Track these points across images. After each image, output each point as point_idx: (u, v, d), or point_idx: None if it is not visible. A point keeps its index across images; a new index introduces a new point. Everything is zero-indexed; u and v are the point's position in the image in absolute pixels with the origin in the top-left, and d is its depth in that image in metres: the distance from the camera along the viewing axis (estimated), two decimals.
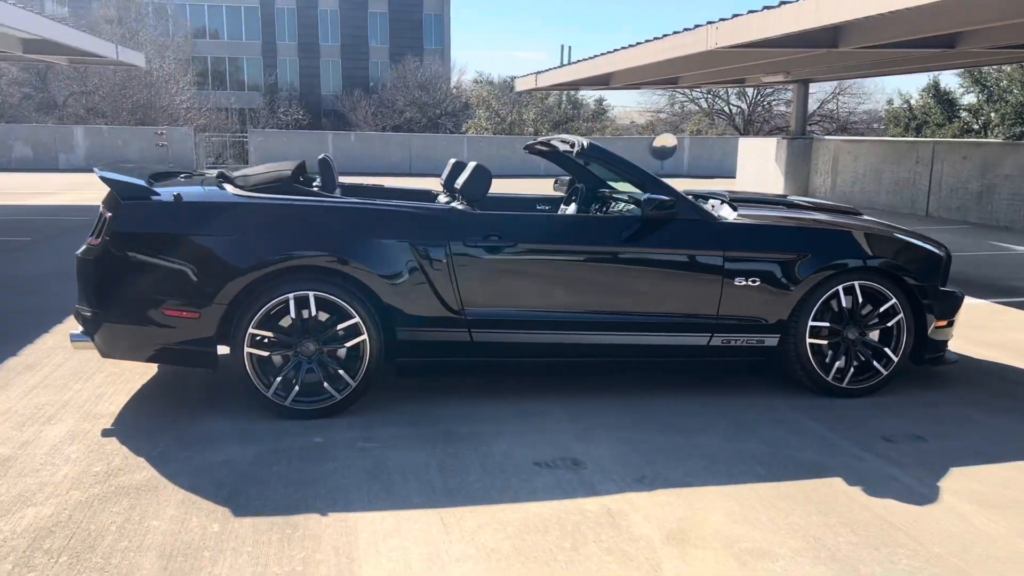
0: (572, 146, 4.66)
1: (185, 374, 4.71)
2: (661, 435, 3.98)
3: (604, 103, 43.64)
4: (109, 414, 4.12)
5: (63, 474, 3.41)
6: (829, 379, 4.56)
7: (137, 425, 3.98)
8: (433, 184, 6.08)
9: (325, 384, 4.09)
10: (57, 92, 31.20)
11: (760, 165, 19.99)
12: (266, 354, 4.04)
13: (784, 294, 4.46)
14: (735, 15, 9.70)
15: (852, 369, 4.58)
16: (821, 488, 3.41)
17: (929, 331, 4.67)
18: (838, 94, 41.08)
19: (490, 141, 28.69)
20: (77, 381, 4.60)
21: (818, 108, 40.00)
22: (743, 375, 4.93)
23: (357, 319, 4.06)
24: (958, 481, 3.51)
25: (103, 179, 4.09)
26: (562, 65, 15.09)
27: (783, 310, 4.48)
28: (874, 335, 4.63)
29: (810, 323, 4.50)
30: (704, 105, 41.95)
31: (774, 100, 41.18)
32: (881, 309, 4.58)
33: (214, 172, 5.05)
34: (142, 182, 4.10)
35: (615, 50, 13.57)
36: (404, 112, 47.41)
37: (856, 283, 4.53)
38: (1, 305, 6.45)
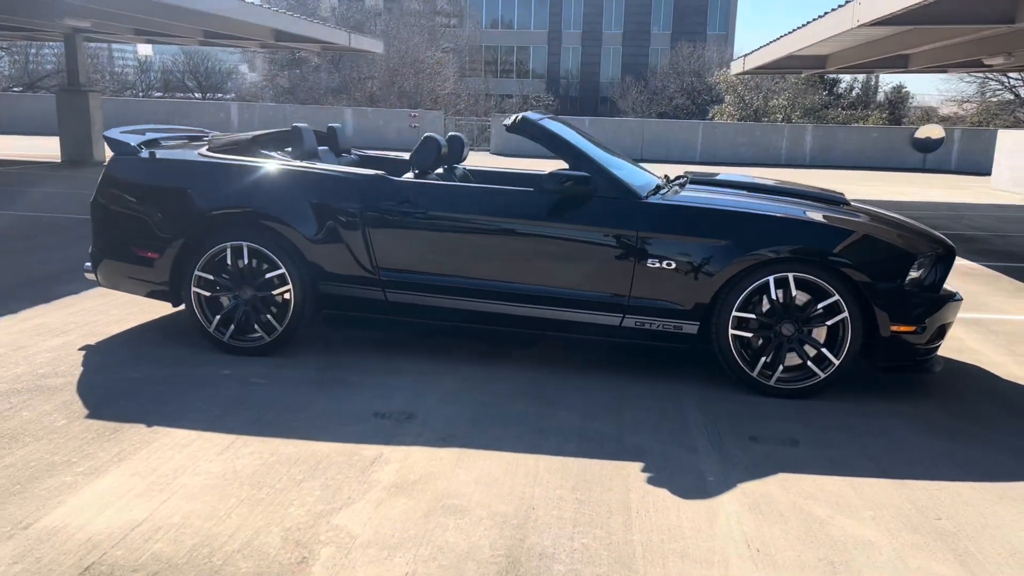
0: (512, 122, 4.75)
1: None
2: (520, 404, 4.03)
3: (903, 90, 39.97)
4: (106, 334, 4.97)
5: (15, 372, 4.25)
6: (754, 375, 4.28)
7: (110, 345, 4.78)
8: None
9: (256, 326, 4.62)
10: (347, 77, 35.12)
11: (1018, 160, 17.61)
12: (208, 294, 4.64)
13: (701, 280, 4.25)
14: None
15: (781, 367, 4.25)
16: (606, 469, 3.33)
17: (884, 335, 4.19)
18: None
19: (725, 128, 27.78)
20: (121, 307, 5.53)
21: None
22: (696, 364, 4.73)
23: (283, 270, 4.53)
24: (765, 486, 3.24)
25: (105, 138, 4.92)
26: (770, 43, 14.22)
27: (701, 297, 4.27)
28: (820, 333, 4.26)
29: (734, 313, 4.25)
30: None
31: None
32: (819, 306, 4.20)
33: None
34: (132, 142, 4.87)
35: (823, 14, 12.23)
36: (674, 99, 47.12)
37: (790, 275, 4.19)
38: None
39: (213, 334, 4.65)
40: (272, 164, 4.68)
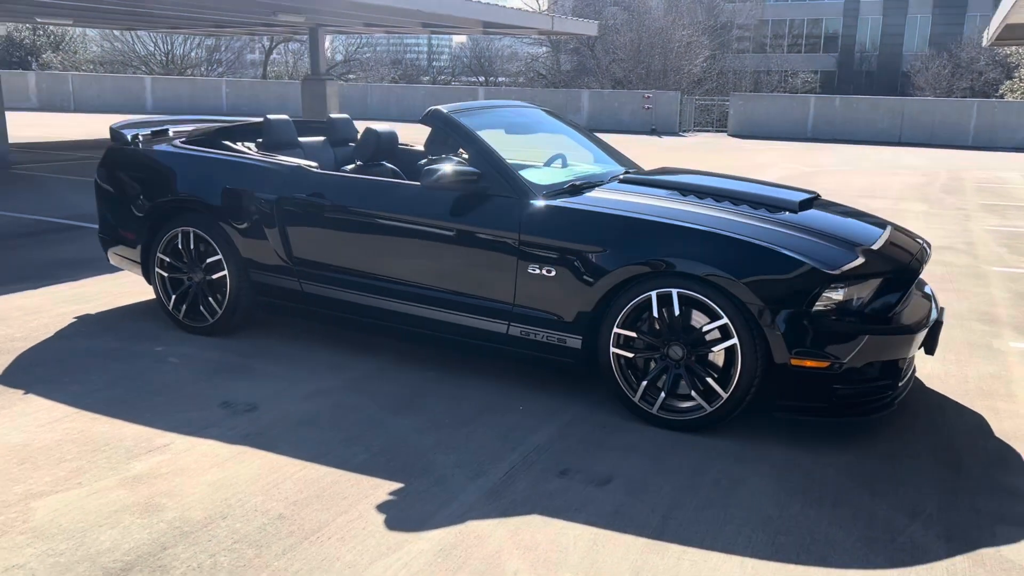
0: (424, 115, 4.52)
1: None
2: (372, 408, 3.90)
3: None
4: (112, 306, 5.54)
5: (4, 332, 4.90)
6: (636, 400, 3.78)
7: (101, 316, 5.31)
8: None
9: (201, 308, 4.91)
10: (588, 61, 35.22)
11: None
12: (166, 275, 5.00)
13: (581, 291, 3.83)
14: None
15: (663, 394, 3.71)
16: (359, 485, 3.14)
17: (785, 368, 3.50)
18: None
19: (1008, 108, 23.94)
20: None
21: None
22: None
23: (220, 256, 4.77)
24: (491, 528, 2.87)
25: (110, 130, 5.45)
26: None
27: (582, 309, 3.85)
28: (719, 360, 3.66)
29: (615, 330, 3.78)
30: None
31: None
32: (705, 328, 3.61)
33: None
34: (127, 134, 5.34)
35: None
36: (984, 74, 41.79)
37: (674, 290, 3.64)
38: None
39: (172, 312, 5.00)
40: (212, 155, 4.90)
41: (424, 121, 4.44)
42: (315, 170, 4.62)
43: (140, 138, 5.29)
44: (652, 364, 3.75)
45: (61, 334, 4.91)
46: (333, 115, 5.86)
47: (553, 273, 3.88)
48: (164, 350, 4.67)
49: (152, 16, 16.98)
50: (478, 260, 4.07)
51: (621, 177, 4.48)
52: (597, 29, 20.59)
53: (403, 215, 4.26)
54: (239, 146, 5.13)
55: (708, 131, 27.16)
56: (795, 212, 4.04)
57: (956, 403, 4.14)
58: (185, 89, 31.34)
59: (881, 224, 4.31)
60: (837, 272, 3.51)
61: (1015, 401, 4.17)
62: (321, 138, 5.70)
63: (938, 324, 3.88)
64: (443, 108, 4.44)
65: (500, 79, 52.91)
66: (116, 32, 41.89)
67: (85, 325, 5.11)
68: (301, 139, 5.51)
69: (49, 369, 4.33)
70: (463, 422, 3.79)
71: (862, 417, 3.68)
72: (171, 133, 5.45)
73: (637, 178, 4.48)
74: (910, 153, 20.49)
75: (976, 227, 9.65)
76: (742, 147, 21.58)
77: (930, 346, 3.91)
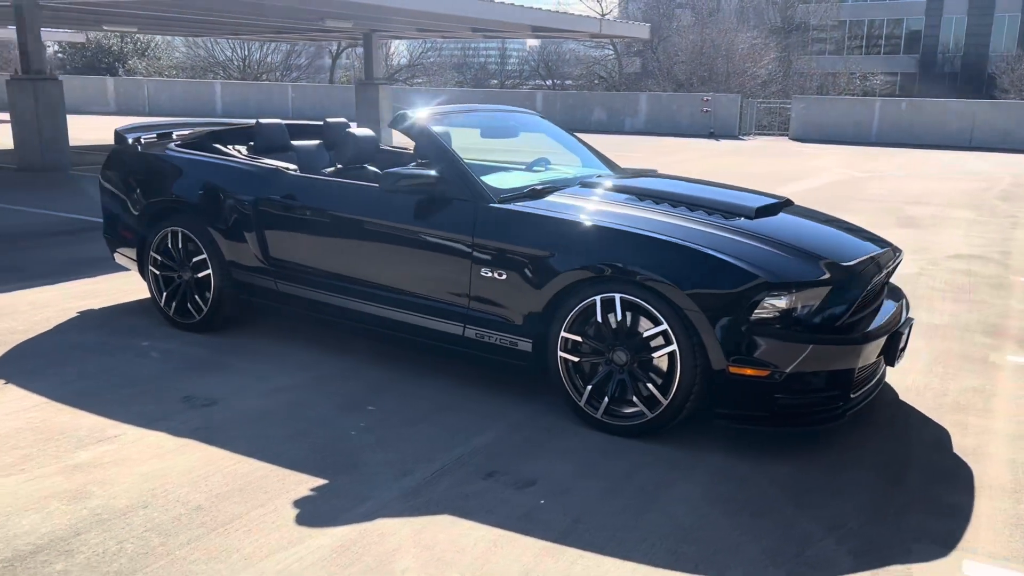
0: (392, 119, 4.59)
1: None
2: (327, 406, 3.98)
3: None
4: (116, 302, 5.77)
5: (7, 325, 5.15)
6: (581, 404, 3.77)
7: (102, 312, 5.53)
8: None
9: (189, 306, 5.08)
10: (650, 64, 34.90)
11: None
12: (158, 273, 5.18)
13: (530, 294, 3.84)
14: None
15: (607, 399, 3.69)
16: (283, 480, 3.22)
17: (723, 375, 3.45)
18: None
19: None
20: None
21: None
22: None
23: (204, 255, 4.93)
24: (395, 527, 2.91)
25: (115, 132, 5.67)
26: None
27: (532, 312, 3.86)
28: (663, 364, 3.63)
29: (562, 334, 3.78)
30: None
31: None
32: (646, 334, 3.58)
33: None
34: (131, 137, 5.55)
35: None
36: None
37: (617, 295, 3.62)
38: None
39: (163, 308, 5.19)
40: (198, 157, 5.07)
41: (391, 124, 4.51)
42: (290, 173, 4.73)
43: (142, 141, 5.50)
44: (598, 369, 3.73)
45: (59, 328, 5.15)
46: (330, 119, 5.98)
47: (504, 276, 3.90)
48: (149, 345, 4.85)
49: (210, 23, 17.56)
50: (436, 262, 4.12)
51: (584, 182, 4.46)
52: (648, 32, 20.43)
53: (366, 217, 4.34)
54: (229, 149, 5.29)
55: (770, 134, 26.60)
56: (751, 218, 3.96)
57: (925, 416, 4.00)
58: (253, 93, 32.24)
59: (847, 230, 4.20)
60: (778, 280, 3.43)
61: (989, 417, 4.01)
62: (316, 142, 5.83)
63: (897, 335, 3.75)
64: (409, 112, 4.50)
65: (567, 82, 52.90)
66: (197, 39, 43.33)
67: (84, 320, 5.33)
68: (297, 143, 5.65)
69: (36, 361, 4.54)
70: (411, 421, 3.84)
71: (809, 428, 3.59)
72: (175, 136, 5.65)
73: (599, 183, 4.46)
74: (978, 158, 19.71)
75: (1021, 236, 9.26)
76: (800, 151, 21.10)
77: (890, 357, 3.79)
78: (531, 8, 16.37)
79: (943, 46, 55.44)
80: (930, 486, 3.30)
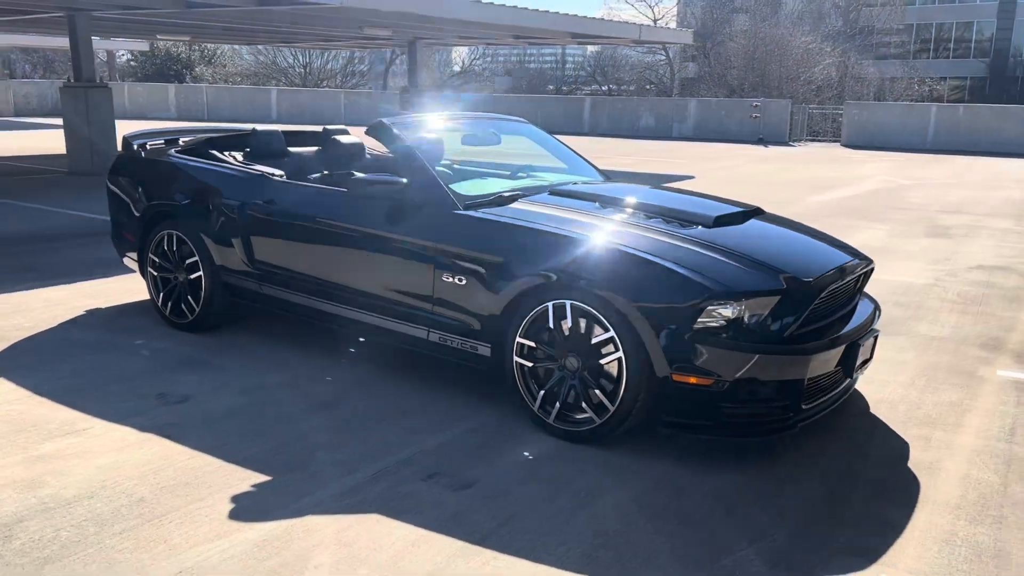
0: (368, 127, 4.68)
1: None
2: (292, 404, 4.09)
3: None
4: (123, 301, 6.00)
5: (14, 321, 5.40)
6: (535, 409, 3.81)
7: (107, 311, 5.75)
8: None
9: (182, 306, 5.26)
10: (703, 68, 34.58)
11: None
12: (156, 274, 5.38)
13: (488, 300, 3.89)
14: None
15: (558, 404, 3.72)
16: (231, 476, 3.33)
17: (667, 383, 3.45)
18: None
19: None
20: None
21: None
22: None
23: (196, 257, 5.10)
24: (309, 526, 2.99)
25: (123, 138, 5.90)
26: None
27: (490, 317, 3.91)
28: (613, 371, 3.64)
29: (517, 339, 3.82)
30: None
31: None
32: (595, 341, 3.60)
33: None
34: (137, 143, 5.77)
35: None
36: None
37: (568, 302, 3.65)
38: None
39: (160, 309, 5.38)
40: (191, 162, 5.25)
41: (367, 132, 4.61)
42: (273, 179, 4.87)
43: (147, 147, 5.72)
44: (552, 374, 3.76)
45: (63, 325, 5.37)
46: (329, 126, 6.12)
47: (464, 282, 3.96)
48: (142, 343, 5.03)
49: (256, 32, 18.03)
50: (402, 267, 4.20)
51: (554, 189, 4.50)
52: (692, 37, 20.28)
53: (339, 222, 4.45)
54: (225, 155, 5.46)
55: (823, 141, 26.11)
56: (708, 227, 3.94)
57: (890, 429, 3.93)
58: (306, 100, 32.93)
59: (816, 238, 4.15)
60: (723, 288, 3.42)
61: (957, 432, 3.91)
62: (314, 148, 5.97)
63: (854, 346, 3.70)
64: (386, 119, 4.59)
65: (622, 88, 52.72)
66: (261, 47, 44.41)
67: (89, 318, 5.56)
68: (296, 149, 5.80)
69: (32, 357, 4.76)
70: (372, 422, 3.91)
71: (758, 439, 3.57)
72: (181, 142, 5.85)
73: (565, 190, 4.49)
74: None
75: None
76: (849, 157, 20.67)
77: (848, 368, 3.73)
78: (569, 15, 16.44)
79: (1015, 50, 53.80)
80: (872, 500, 3.24)
